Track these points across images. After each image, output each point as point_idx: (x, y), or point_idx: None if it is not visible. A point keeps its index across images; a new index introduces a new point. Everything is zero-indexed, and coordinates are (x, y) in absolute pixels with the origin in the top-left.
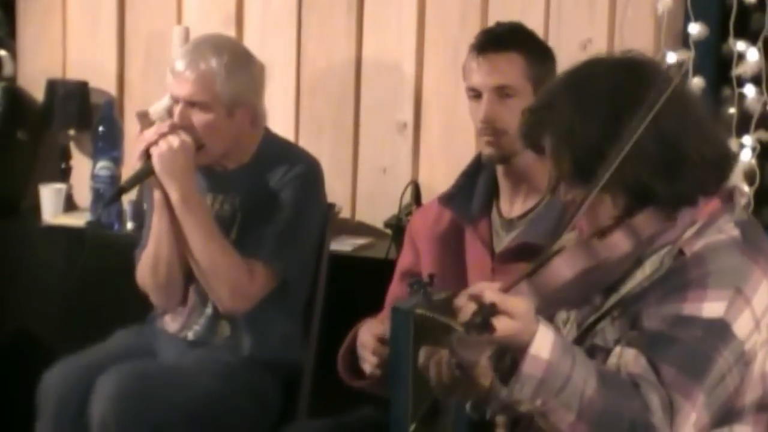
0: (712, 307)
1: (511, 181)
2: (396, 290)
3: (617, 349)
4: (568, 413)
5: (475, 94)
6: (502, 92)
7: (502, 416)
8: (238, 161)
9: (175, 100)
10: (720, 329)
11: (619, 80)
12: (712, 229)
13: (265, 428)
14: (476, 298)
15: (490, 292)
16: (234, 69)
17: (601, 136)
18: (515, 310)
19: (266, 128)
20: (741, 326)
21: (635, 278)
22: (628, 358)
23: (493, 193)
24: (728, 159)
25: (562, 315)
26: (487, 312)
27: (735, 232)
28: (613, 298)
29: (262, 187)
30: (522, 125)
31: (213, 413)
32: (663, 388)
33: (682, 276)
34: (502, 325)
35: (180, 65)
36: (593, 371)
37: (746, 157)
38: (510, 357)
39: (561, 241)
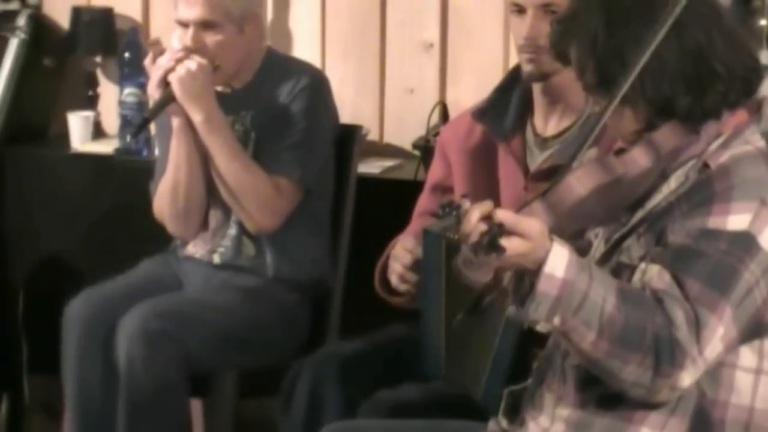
0: (737, 220)
1: (547, 99)
2: (424, 203)
3: (642, 266)
4: (589, 331)
5: (519, 9)
6: (547, 9)
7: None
8: (243, 79)
9: (185, 25)
10: (745, 241)
11: None
12: (738, 140)
13: (296, 348)
14: (486, 218)
15: (501, 212)
16: None
17: (624, 46)
18: (527, 230)
19: (267, 45)
20: (767, 238)
21: (661, 193)
22: (652, 274)
23: (527, 109)
24: (757, 71)
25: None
26: (495, 232)
27: (761, 143)
28: (639, 214)
29: (271, 102)
30: (550, 36)
31: (242, 334)
32: (687, 303)
33: (707, 189)
34: (513, 245)
35: None
36: (612, 288)
37: None
38: (528, 279)
39: (582, 158)
